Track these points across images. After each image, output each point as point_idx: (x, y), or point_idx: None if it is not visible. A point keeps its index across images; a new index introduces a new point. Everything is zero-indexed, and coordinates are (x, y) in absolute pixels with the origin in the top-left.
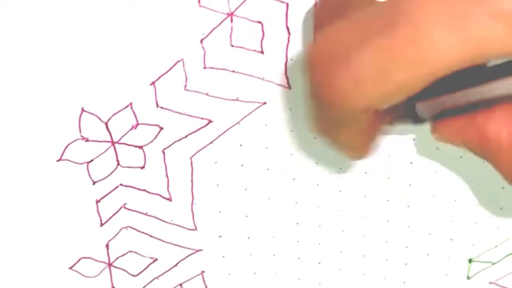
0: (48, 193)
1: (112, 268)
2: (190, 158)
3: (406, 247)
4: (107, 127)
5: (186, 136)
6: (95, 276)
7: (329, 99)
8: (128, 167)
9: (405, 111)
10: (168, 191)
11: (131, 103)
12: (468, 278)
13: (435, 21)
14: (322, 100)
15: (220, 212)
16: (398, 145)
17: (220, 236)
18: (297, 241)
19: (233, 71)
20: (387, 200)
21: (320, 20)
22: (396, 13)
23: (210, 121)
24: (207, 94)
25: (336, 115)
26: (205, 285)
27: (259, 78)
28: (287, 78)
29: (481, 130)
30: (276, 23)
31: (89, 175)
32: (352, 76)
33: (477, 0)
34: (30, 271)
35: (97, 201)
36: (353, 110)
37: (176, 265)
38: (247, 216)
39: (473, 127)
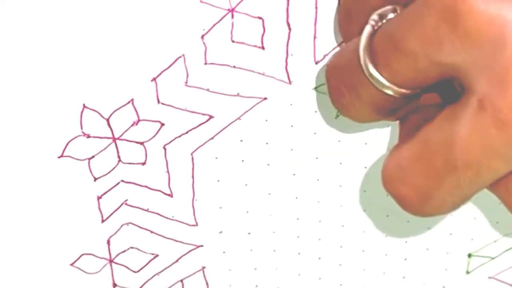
0: (49, 189)
1: (113, 264)
2: (191, 154)
3: (406, 242)
4: (108, 124)
5: (187, 132)
6: (96, 273)
7: (415, 214)
8: (129, 163)
9: None
10: (169, 187)
11: (132, 99)
12: (468, 272)
13: None
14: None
15: (220, 207)
16: None
17: (221, 232)
18: (298, 237)
19: (234, 66)
20: (387, 195)
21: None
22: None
23: (211, 117)
24: (208, 89)
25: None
26: (206, 281)
27: (259, 73)
28: (287, 73)
29: None
30: (277, 19)
31: (91, 171)
32: (435, 206)
33: None
34: (31, 267)
35: (98, 198)
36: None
37: (177, 261)
38: (247, 211)
39: None
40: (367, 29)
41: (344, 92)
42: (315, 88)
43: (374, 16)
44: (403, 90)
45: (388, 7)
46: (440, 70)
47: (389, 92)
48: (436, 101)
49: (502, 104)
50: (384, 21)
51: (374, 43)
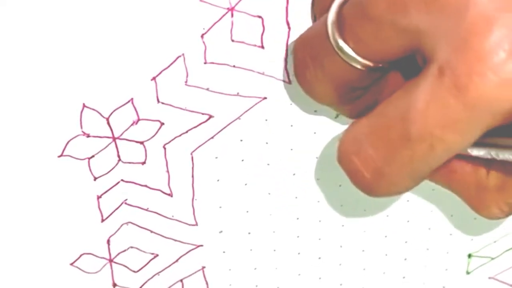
0: (49, 189)
1: (113, 264)
2: (191, 154)
3: (406, 242)
4: (108, 123)
5: (186, 132)
6: (96, 272)
7: (367, 192)
8: (129, 162)
9: None
10: (169, 187)
11: (132, 99)
12: (468, 273)
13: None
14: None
15: (220, 207)
16: None
17: (220, 232)
18: (297, 236)
19: (234, 66)
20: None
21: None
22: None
23: (210, 116)
24: (207, 89)
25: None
26: (206, 280)
27: (259, 73)
28: (287, 73)
29: (448, 168)
30: (276, 18)
31: (90, 170)
32: (388, 182)
33: None
34: (31, 267)
35: (98, 197)
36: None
37: (177, 260)
38: (247, 211)
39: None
40: (337, 0)
41: (308, 64)
42: None
43: None
44: (368, 62)
45: None
46: (404, 38)
47: (354, 63)
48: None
49: (461, 69)
50: None
51: (343, 13)
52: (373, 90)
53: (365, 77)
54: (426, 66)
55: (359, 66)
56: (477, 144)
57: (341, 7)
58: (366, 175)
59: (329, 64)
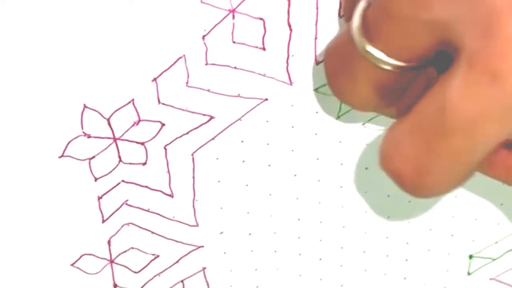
0: (50, 189)
1: (113, 264)
2: (192, 155)
3: (407, 243)
4: (109, 124)
5: (187, 133)
6: (97, 273)
7: (413, 193)
8: (130, 163)
9: None
10: (170, 188)
11: (133, 100)
12: (469, 274)
13: None
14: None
15: (221, 208)
16: None
17: (221, 233)
18: (298, 237)
19: (235, 67)
20: (388, 196)
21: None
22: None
23: (211, 117)
24: (208, 90)
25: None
26: (207, 281)
27: (260, 74)
28: (288, 74)
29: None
30: (278, 19)
31: (91, 171)
32: (433, 181)
33: None
34: (31, 268)
35: (99, 198)
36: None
37: (177, 261)
38: (248, 212)
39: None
40: (361, 5)
41: (340, 73)
42: (316, 89)
43: None
44: (398, 63)
45: None
46: (431, 33)
47: (385, 66)
48: None
49: (491, 54)
50: None
51: (367, 16)
52: (414, 87)
53: (401, 78)
54: (457, 57)
55: (391, 68)
56: None
57: (364, 11)
58: (409, 175)
59: (361, 70)
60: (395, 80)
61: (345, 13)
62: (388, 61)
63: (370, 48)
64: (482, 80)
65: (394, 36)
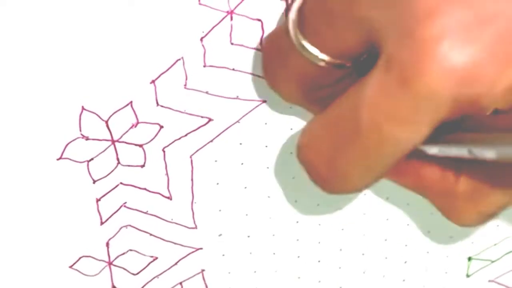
0: (48, 191)
1: (112, 266)
2: (190, 157)
3: (406, 245)
4: (107, 126)
5: (186, 135)
6: (95, 275)
7: (322, 187)
8: (128, 165)
9: None
10: (168, 190)
11: (131, 102)
12: (468, 276)
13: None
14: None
15: (220, 210)
16: None
17: (220, 235)
18: (297, 240)
19: (233, 69)
20: (387, 198)
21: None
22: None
23: (210, 120)
24: (207, 92)
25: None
26: (205, 284)
27: (259, 76)
28: None
29: (417, 174)
30: (275, 21)
31: (89, 173)
32: (341, 177)
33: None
34: (30, 270)
35: (97, 200)
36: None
37: (176, 263)
38: (247, 214)
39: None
40: None
41: (274, 61)
42: None
43: None
44: (328, 58)
45: None
46: (358, 31)
47: (314, 60)
48: None
49: (407, 60)
50: None
51: (304, 9)
52: (340, 89)
53: (329, 75)
54: (378, 59)
55: (320, 63)
56: (434, 142)
57: (302, 5)
58: (320, 168)
59: (292, 61)
60: (321, 75)
61: (287, 7)
62: (317, 55)
63: (303, 42)
64: (395, 84)
65: (324, 30)
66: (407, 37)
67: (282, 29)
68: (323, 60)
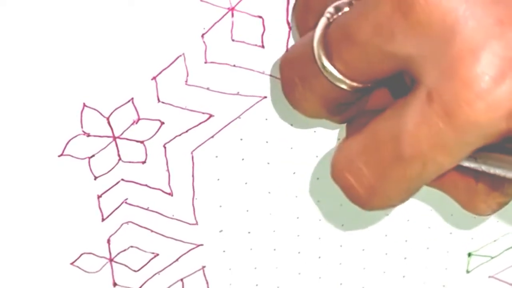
0: (49, 188)
1: (113, 263)
2: (191, 153)
3: (406, 241)
4: (108, 122)
5: (187, 131)
6: (97, 272)
7: (361, 206)
8: (130, 162)
9: None
10: (169, 186)
11: (132, 98)
12: (468, 272)
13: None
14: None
15: (221, 206)
16: None
17: (221, 231)
18: (298, 236)
19: (234, 65)
20: None
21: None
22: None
23: (211, 116)
24: (208, 88)
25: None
26: (206, 280)
27: (259, 72)
28: None
29: None
30: (276, 17)
31: (91, 170)
32: (381, 198)
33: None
34: (31, 266)
35: (99, 196)
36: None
37: (177, 260)
38: (247, 210)
39: None
40: (322, 21)
41: (297, 84)
42: None
43: (330, 9)
44: (355, 84)
45: (345, 0)
46: (391, 62)
47: (341, 85)
48: (382, 103)
49: (449, 97)
50: (340, 13)
51: (328, 35)
52: (361, 100)
53: (353, 95)
54: (415, 88)
55: (346, 88)
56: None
57: (326, 28)
58: (360, 191)
59: (317, 84)
60: (346, 97)
61: (299, 25)
62: (345, 81)
63: (327, 64)
64: (438, 117)
65: (354, 59)
66: (450, 74)
67: (304, 51)
68: (350, 85)
